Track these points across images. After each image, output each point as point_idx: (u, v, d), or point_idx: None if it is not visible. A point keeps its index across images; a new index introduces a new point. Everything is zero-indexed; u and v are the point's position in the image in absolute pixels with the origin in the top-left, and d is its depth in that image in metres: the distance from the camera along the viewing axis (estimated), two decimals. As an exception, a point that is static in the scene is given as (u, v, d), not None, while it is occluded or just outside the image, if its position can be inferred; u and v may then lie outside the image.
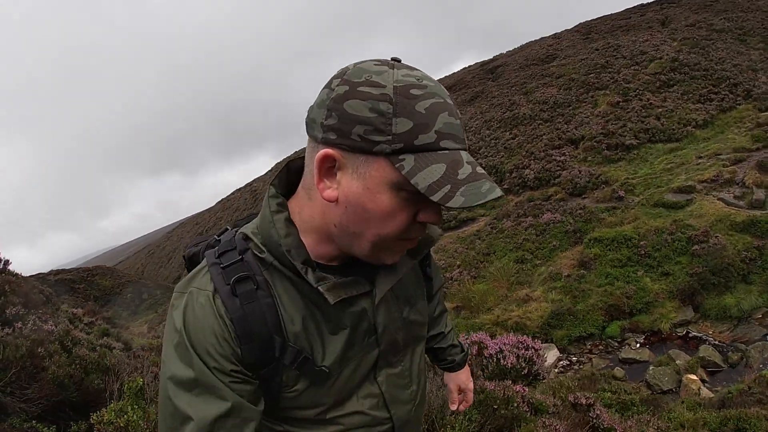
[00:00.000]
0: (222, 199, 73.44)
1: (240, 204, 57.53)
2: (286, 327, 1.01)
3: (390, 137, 0.86)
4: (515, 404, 3.18)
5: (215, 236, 1.16)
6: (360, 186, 0.92)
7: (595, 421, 3.06)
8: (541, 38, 42.03)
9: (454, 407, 1.69)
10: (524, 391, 3.43)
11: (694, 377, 9.35)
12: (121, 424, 2.83)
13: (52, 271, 35.26)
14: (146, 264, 71.65)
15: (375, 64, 0.92)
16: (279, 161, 68.36)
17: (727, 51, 24.11)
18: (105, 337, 8.14)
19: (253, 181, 68.26)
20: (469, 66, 47.61)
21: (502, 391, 3.33)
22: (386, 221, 0.94)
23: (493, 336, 6.57)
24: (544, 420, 2.90)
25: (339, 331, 1.06)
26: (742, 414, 5.48)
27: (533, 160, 21.54)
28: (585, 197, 18.03)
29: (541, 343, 11.73)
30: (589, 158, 20.21)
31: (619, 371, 10.33)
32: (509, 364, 5.19)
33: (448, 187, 0.86)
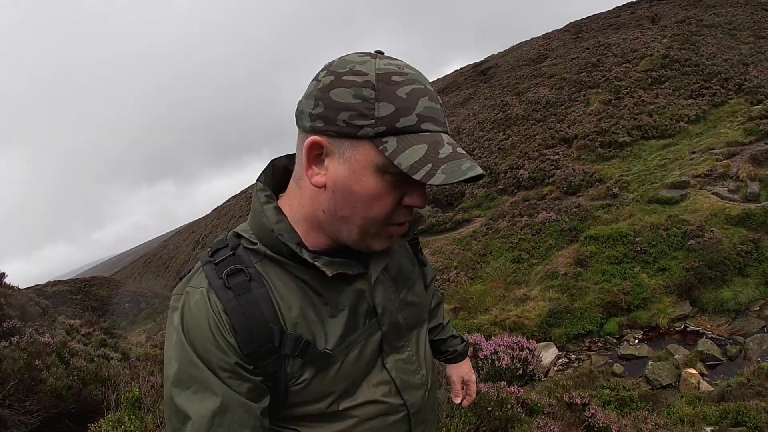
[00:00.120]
0: (217, 207, 73.27)
1: (235, 211, 57.43)
2: (284, 315, 1.01)
3: (373, 121, 0.90)
4: (509, 405, 3.19)
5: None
6: (346, 170, 0.95)
7: (590, 420, 3.06)
8: (532, 39, 42.18)
9: (457, 400, 1.67)
10: (519, 392, 3.43)
11: (693, 371, 9.36)
12: (119, 434, 2.83)
13: (49, 282, 35.17)
14: (143, 273, 71.43)
15: (359, 56, 0.96)
16: (274, 167, 68.25)
17: (718, 46, 24.25)
18: (103, 348, 8.12)
19: (248, 188, 68.15)
20: (461, 68, 47.72)
21: (496, 393, 3.33)
22: (372, 204, 0.96)
23: (488, 337, 6.58)
24: (538, 421, 2.90)
25: (338, 314, 1.06)
26: (741, 407, 5.50)
27: (527, 160, 21.57)
28: (580, 195, 18.06)
29: (540, 341, 11.79)
30: (583, 156, 20.25)
31: (618, 367, 10.34)
32: (504, 365, 5.19)
33: (430, 165, 0.89)
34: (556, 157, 20.84)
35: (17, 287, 9.46)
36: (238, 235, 1.08)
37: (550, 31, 41.22)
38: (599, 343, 11.69)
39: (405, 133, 0.91)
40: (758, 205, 13.25)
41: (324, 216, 1.02)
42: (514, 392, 3.29)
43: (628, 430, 3.10)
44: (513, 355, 4.99)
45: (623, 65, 25.41)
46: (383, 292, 1.14)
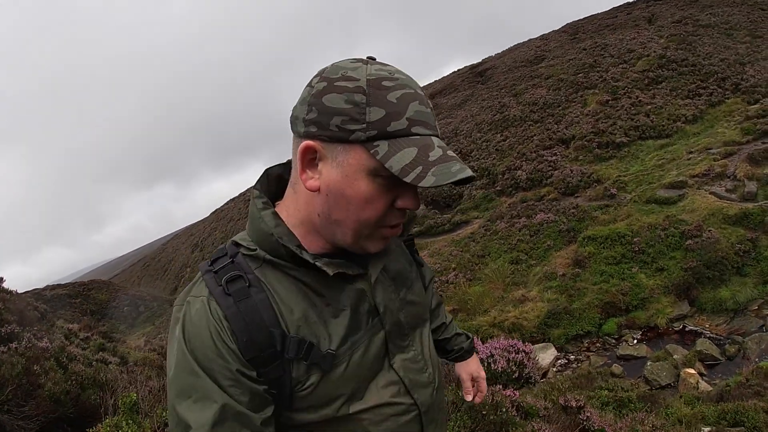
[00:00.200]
0: (216, 210, 73.24)
1: (234, 214, 57.42)
2: (285, 318, 1.01)
3: (364, 125, 0.92)
4: (504, 409, 3.18)
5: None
6: (339, 174, 0.96)
7: (585, 423, 3.06)
8: (529, 40, 42.22)
9: (469, 398, 1.65)
10: (514, 395, 3.43)
11: (692, 371, 9.37)
12: (117, 439, 2.84)
13: (47, 286, 35.14)
14: (142, 276, 71.39)
15: (351, 62, 0.98)
16: (272, 169, 68.24)
17: (714, 46, 24.28)
18: (101, 352, 8.12)
19: (246, 190, 68.10)
20: (459, 69, 47.77)
21: (491, 397, 3.34)
22: (365, 207, 0.98)
23: (485, 339, 6.57)
24: (533, 424, 2.91)
25: (340, 314, 1.07)
26: (739, 407, 5.50)
27: (525, 161, 21.60)
28: (577, 196, 18.08)
29: (539, 342, 11.79)
30: (581, 157, 20.27)
31: (617, 368, 10.35)
32: (500, 369, 5.19)
33: (420, 168, 0.91)
34: (554, 158, 20.87)
35: (15, 291, 9.46)
36: (237, 244, 1.09)
37: (547, 32, 41.29)
38: (598, 344, 11.70)
39: (396, 136, 0.93)
40: (756, 204, 13.27)
41: (319, 220, 1.04)
42: (509, 395, 3.29)
43: None
44: (509, 358, 4.98)
45: (620, 66, 25.44)
46: (383, 291, 1.15)
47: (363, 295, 1.11)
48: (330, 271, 1.01)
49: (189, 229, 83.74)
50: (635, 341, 11.35)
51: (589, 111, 22.91)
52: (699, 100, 20.58)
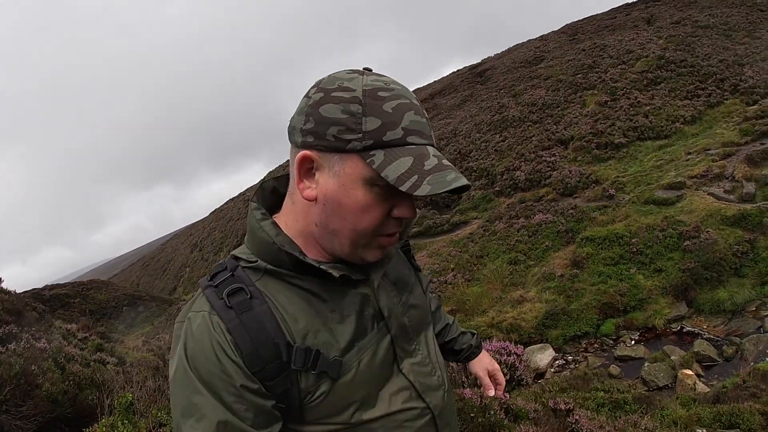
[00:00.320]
0: (215, 210, 73.24)
1: (233, 214, 57.44)
2: (291, 328, 1.00)
3: (361, 135, 0.92)
4: (492, 412, 3.18)
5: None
6: (336, 183, 0.97)
7: (574, 426, 3.07)
8: (528, 40, 42.27)
9: (491, 392, 1.61)
10: (504, 397, 3.42)
11: (689, 372, 9.38)
12: (113, 439, 2.86)
13: (46, 286, 35.11)
14: (141, 276, 71.40)
15: (347, 73, 0.99)
16: (272, 170, 68.26)
17: (713, 47, 24.32)
18: (99, 353, 8.12)
19: (246, 190, 68.14)
20: (458, 70, 47.81)
21: (479, 399, 3.34)
22: (361, 216, 0.98)
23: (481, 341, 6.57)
24: (521, 427, 2.92)
25: (345, 320, 1.06)
26: (734, 409, 5.51)
27: (524, 162, 21.62)
28: (576, 197, 18.11)
29: (537, 343, 11.81)
30: (579, 158, 20.30)
31: (614, 369, 10.36)
32: (491, 371, 5.15)
33: (416, 177, 0.91)
34: (553, 158, 20.90)
35: (14, 292, 9.48)
36: (236, 257, 1.08)
37: (546, 32, 41.32)
38: (596, 345, 11.72)
39: (391, 146, 0.94)
40: (754, 205, 13.29)
41: (317, 230, 1.04)
42: (498, 398, 3.28)
43: None
44: (501, 360, 4.98)
45: (619, 66, 25.48)
46: (387, 297, 1.15)
47: (367, 299, 1.10)
48: (336, 273, 1.01)
49: (188, 228, 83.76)
50: (633, 342, 11.36)
51: (588, 112, 22.94)
52: (698, 101, 20.62)
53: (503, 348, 3.83)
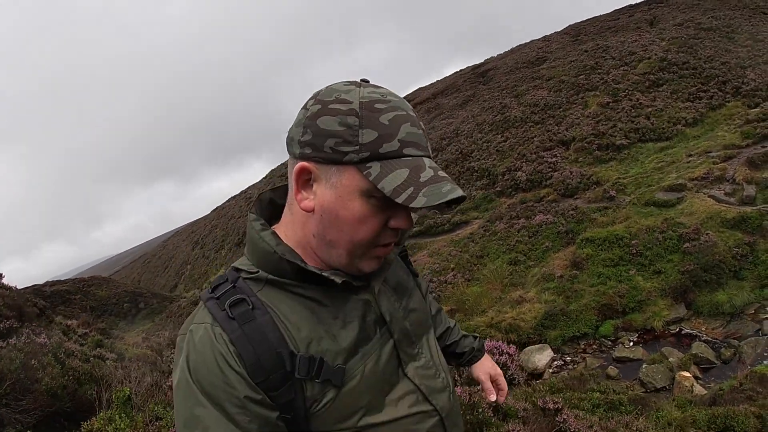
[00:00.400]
0: (216, 207, 73.26)
1: (235, 211, 57.46)
2: (294, 336, 1.01)
3: (357, 147, 0.94)
4: (480, 410, 3.20)
5: None
6: (333, 195, 0.98)
7: (562, 425, 3.10)
8: (531, 41, 42.24)
9: (492, 397, 1.59)
10: (503, 403, 3.44)
11: (687, 374, 9.39)
12: (110, 431, 2.89)
13: (47, 282, 35.17)
14: (142, 273, 71.49)
15: (344, 84, 1.00)
16: (273, 168, 68.21)
17: (715, 49, 24.30)
18: (99, 348, 8.17)
19: (247, 188, 68.15)
20: (461, 70, 47.81)
21: (468, 397, 3.36)
22: (358, 227, 0.99)
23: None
24: (509, 425, 2.95)
25: (348, 325, 1.06)
26: (729, 412, 5.52)
27: (525, 162, 21.63)
28: (577, 198, 18.12)
29: (536, 343, 11.83)
30: (580, 159, 20.31)
31: (612, 370, 10.39)
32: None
33: (411, 189, 0.92)
34: (554, 159, 20.91)
35: (15, 287, 9.53)
36: (237, 269, 1.09)
37: (549, 33, 41.32)
38: (594, 346, 11.73)
39: (388, 158, 0.95)
40: (754, 208, 13.30)
41: (314, 240, 1.05)
42: (499, 403, 3.30)
43: None
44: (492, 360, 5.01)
45: (621, 68, 25.46)
46: (387, 301, 1.16)
47: (369, 305, 1.11)
48: (338, 280, 1.02)
49: (190, 226, 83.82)
50: (631, 343, 11.38)
51: (590, 113, 22.94)
52: (699, 103, 20.61)
53: (495, 347, 3.85)
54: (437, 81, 49.28)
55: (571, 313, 12.35)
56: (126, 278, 67.25)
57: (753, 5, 28.39)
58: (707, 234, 12.66)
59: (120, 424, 2.94)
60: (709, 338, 10.78)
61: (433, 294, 15.60)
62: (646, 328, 11.66)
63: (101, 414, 3.06)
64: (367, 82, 1.04)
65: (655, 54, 25.19)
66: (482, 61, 44.63)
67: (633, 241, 13.64)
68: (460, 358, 1.65)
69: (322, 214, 1.00)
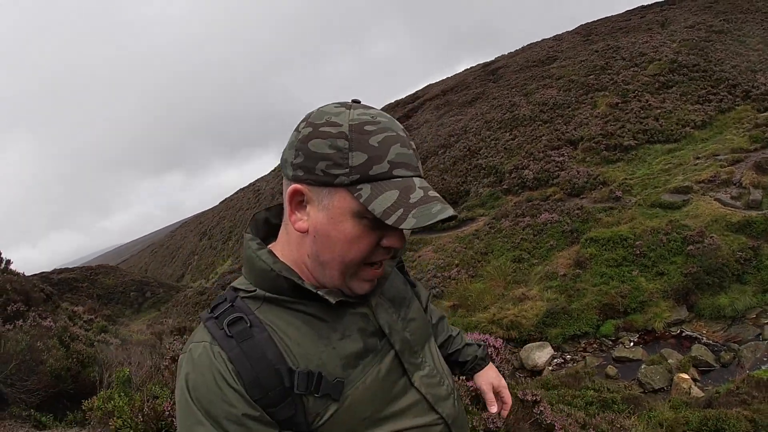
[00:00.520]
0: (225, 199, 73.44)
1: (243, 204, 57.62)
2: (292, 352, 1.01)
3: (347, 170, 0.95)
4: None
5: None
6: (325, 216, 1.00)
7: (538, 416, 3.16)
8: (542, 40, 42.11)
9: (494, 409, 1.54)
10: (473, 385, 3.48)
11: (685, 376, 9.44)
12: (109, 409, 2.98)
13: (55, 270, 35.43)
14: (149, 263, 71.81)
15: (335, 107, 1.02)
16: (282, 161, 68.17)
17: (726, 52, 24.19)
18: (103, 334, 8.29)
19: (256, 181, 68.30)
20: (471, 67, 47.72)
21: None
22: (350, 247, 1.01)
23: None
24: (486, 413, 3.01)
25: (347, 339, 1.07)
26: (721, 414, 5.56)
27: (532, 161, 21.65)
28: (583, 197, 18.14)
29: (536, 341, 11.89)
30: (588, 159, 20.31)
31: (612, 369, 10.45)
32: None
33: (401, 210, 0.94)
34: (561, 158, 20.92)
35: (23, 274, 9.66)
36: (235, 289, 1.10)
37: (560, 32, 41.19)
38: (594, 345, 11.80)
39: (378, 179, 0.97)
40: (759, 212, 13.29)
41: (309, 261, 1.06)
42: (467, 386, 3.35)
43: (573, 429, 3.19)
44: None
45: (631, 69, 25.39)
46: (385, 313, 1.16)
47: (366, 318, 1.11)
48: (332, 299, 1.03)
49: (198, 217, 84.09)
50: (632, 344, 11.44)
51: (599, 113, 22.91)
52: (709, 105, 20.56)
53: (483, 340, 3.87)
54: (447, 78, 49.25)
55: (572, 311, 12.41)
56: (133, 267, 67.58)
57: (766, 9, 28.20)
58: (711, 237, 12.67)
59: (119, 402, 3.04)
60: (709, 341, 10.81)
61: (437, 289, 15.66)
62: (647, 329, 11.71)
63: (101, 393, 3.15)
64: (359, 102, 1.05)
65: (666, 56, 25.11)
66: (493, 59, 44.56)
67: (637, 242, 13.67)
68: (462, 366, 1.62)
69: (316, 235, 1.02)
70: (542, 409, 3.14)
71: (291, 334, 1.03)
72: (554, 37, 40.59)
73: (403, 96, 50.56)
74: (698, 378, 9.76)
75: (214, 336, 1.00)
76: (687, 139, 19.26)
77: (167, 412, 3.07)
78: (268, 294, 1.05)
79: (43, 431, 3.96)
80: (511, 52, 43.82)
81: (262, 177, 68.01)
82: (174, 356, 3.87)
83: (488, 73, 38.09)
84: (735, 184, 15.00)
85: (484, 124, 27.45)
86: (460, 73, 48.09)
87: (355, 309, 1.10)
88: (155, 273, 57.59)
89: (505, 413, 1.58)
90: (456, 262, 17.14)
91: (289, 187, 1.01)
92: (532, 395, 3.22)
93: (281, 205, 1.13)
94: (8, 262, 9.36)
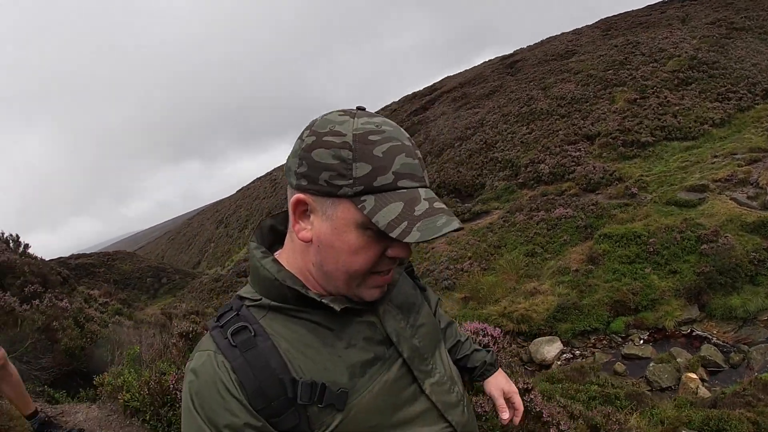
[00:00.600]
0: (242, 188, 73.85)
1: (260, 192, 57.97)
2: (297, 362, 1.01)
3: (351, 181, 0.93)
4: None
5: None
6: (329, 227, 0.98)
7: (528, 404, 3.22)
8: (562, 33, 41.80)
9: (506, 416, 1.48)
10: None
11: (693, 376, 9.41)
12: (118, 384, 3.10)
13: (72, 255, 35.86)
14: (166, 249, 72.51)
15: (339, 115, 1.00)
16: (299, 150, 68.52)
17: (747, 50, 23.89)
18: (117, 316, 8.46)
19: (273, 170, 68.58)
20: (490, 60, 47.52)
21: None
22: (354, 258, 0.99)
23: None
24: (477, 399, 3.06)
25: (353, 348, 1.06)
26: (724, 414, 5.55)
27: (549, 155, 21.60)
28: (598, 193, 18.09)
29: (546, 335, 11.92)
30: (604, 154, 20.23)
31: (620, 366, 10.46)
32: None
33: (405, 223, 0.92)
34: (578, 153, 20.84)
35: (41, 258, 9.87)
36: (242, 297, 1.10)
37: (580, 26, 40.87)
38: (604, 341, 11.80)
39: (382, 191, 0.94)
40: (775, 213, 13.18)
41: (314, 269, 1.05)
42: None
43: (560, 417, 3.24)
44: (475, 341, 5.11)
45: (650, 65, 25.17)
46: (393, 320, 1.14)
47: (373, 326, 1.10)
48: (337, 307, 1.02)
49: (215, 205, 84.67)
50: (641, 341, 11.42)
51: (617, 108, 22.79)
52: (728, 104, 20.36)
53: (480, 329, 3.90)
54: (465, 70, 49.05)
55: (583, 307, 12.41)
56: (150, 254, 68.25)
57: (789, 6, 27.82)
58: (726, 237, 12.58)
59: (128, 378, 3.16)
60: (719, 341, 10.77)
61: (449, 281, 15.72)
62: (658, 327, 11.69)
63: (112, 369, 3.27)
64: (363, 110, 1.04)
65: (686, 52, 24.86)
66: (511, 52, 44.32)
67: (651, 240, 13.61)
68: (471, 372, 1.58)
69: (320, 245, 1.00)
70: (533, 397, 3.20)
71: (295, 344, 1.02)
72: (574, 30, 40.29)
73: (421, 88, 50.48)
74: (706, 378, 9.74)
75: (219, 345, 1.00)
76: (705, 137, 19.10)
77: (172, 386, 3.19)
78: (273, 303, 1.05)
79: (56, 406, 4.09)
80: (530, 46, 43.56)
81: (278, 167, 68.23)
82: (182, 333, 4.00)
83: (506, 66, 37.90)
84: (752, 184, 14.87)
85: (501, 118, 27.38)
86: (478, 65, 47.91)
87: (362, 317, 1.09)
88: (172, 260, 58.17)
89: (517, 420, 1.53)
90: (469, 254, 17.18)
91: (293, 197, 1.01)
92: (525, 383, 3.27)
93: (287, 212, 1.10)
94: (26, 246, 9.60)
